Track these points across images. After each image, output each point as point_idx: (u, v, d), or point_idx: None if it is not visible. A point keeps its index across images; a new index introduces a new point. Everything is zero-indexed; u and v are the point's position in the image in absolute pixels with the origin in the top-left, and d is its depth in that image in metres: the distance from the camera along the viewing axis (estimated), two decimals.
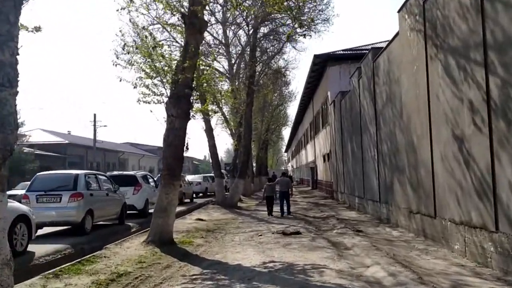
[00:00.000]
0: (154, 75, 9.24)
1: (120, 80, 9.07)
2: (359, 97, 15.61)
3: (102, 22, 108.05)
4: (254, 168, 44.50)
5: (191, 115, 9.53)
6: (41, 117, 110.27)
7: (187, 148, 9.42)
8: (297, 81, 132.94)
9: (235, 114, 26.82)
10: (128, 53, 8.82)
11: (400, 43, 10.41)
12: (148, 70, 9.16)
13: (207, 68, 9.95)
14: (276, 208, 15.61)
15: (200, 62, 9.73)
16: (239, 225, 12.92)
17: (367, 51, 16.70)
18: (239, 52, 29.14)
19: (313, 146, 36.24)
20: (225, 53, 29.14)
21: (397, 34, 10.68)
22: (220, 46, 28.26)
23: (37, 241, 9.14)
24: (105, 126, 44.94)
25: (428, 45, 8.56)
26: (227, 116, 30.88)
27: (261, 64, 29.67)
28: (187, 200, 23.00)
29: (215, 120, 46.75)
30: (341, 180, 21.22)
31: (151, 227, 8.99)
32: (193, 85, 9.45)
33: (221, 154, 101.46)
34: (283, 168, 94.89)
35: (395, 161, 11.23)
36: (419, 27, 8.99)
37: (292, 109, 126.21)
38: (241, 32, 28.88)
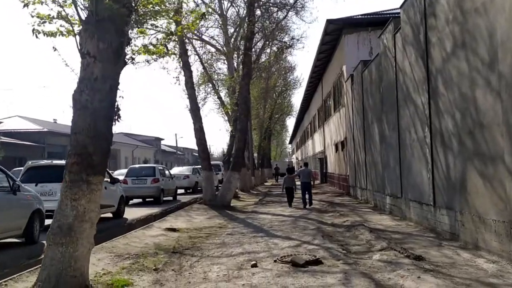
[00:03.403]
0: None
1: None
2: (395, 59, 11.31)
3: None
4: (256, 159, 40.26)
5: (127, 57, 5.28)
6: (24, 105, 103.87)
7: (119, 117, 5.18)
8: (303, 67, 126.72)
9: (232, 95, 22.58)
10: None
11: None
12: None
13: None
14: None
15: None
16: (225, 240, 8.70)
17: (393, 15, 12.54)
18: (237, 23, 25.00)
19: (322, 134, 31.93)
20: (221, 26, 24.97)
21: None
22: (213, 14, 24.04)
23: None
24: None
25: None
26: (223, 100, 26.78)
27: (262, 37, 25.51)
28: (169, 198, 18.73)
29: (210, 104, 42.33)
30: (361, 173, 16.97)
31: (42, 263, 4.77)
32: (131, 1, 5.18)
33: (224, 145, 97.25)
34: (287, 160, 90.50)
35: (472, 143, 6.96)
36: None
37: (297, 98, 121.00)
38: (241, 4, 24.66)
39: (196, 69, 30.07)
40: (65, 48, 5.68)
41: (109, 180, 11.92)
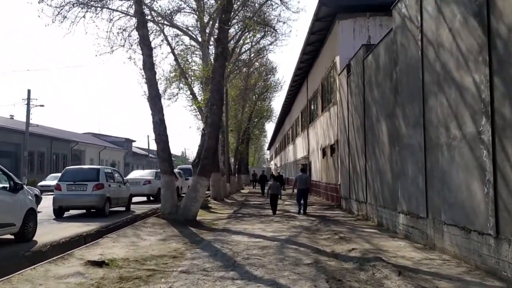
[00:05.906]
0: None
1: None
2: (421, 30, 8.36)
3: None
4: (232, 164, 37.02)
5: None
6: None
7: None
8: (285, 69, 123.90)
9: (206, 88, 19.35)
10: None
11: None
12: None
13: None
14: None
15: None
16: (175, 285, 5.45)
17: None
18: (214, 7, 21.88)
19: (306, 138, 28.99)
20: (195, 11, 21.77)
21: None
22: None
23: None
24: (42, 105, 35.81)
25: None
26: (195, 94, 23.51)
27: (240, 28, 22.54)
28: (121, 209, 15.21)
29: (183, 101, 38.89)
30: (358, 183, 13.98)
31: None
32: None
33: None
34: (264, 166, 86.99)
35: None
36: None
37: (277, 103, 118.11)
38: None
39: (169, 64, 26.97)
40: None
41: (7, 186, 8.33)
